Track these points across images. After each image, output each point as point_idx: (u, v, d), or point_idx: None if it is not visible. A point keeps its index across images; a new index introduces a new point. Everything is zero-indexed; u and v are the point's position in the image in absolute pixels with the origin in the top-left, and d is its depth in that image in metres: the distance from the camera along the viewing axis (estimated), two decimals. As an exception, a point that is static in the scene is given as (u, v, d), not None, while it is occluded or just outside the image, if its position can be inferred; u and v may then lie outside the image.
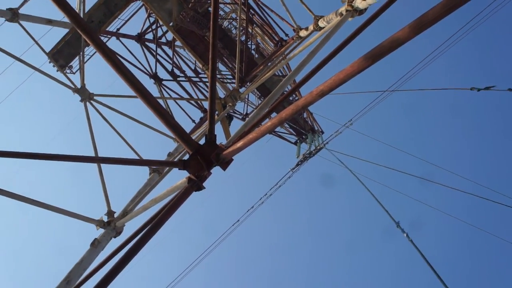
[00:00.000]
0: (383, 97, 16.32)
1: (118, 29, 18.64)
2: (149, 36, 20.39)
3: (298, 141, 24.36)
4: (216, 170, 4.83)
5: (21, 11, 13.49)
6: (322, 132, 24.74)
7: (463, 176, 13.16)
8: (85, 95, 14.21)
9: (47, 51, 15.76)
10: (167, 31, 20.70)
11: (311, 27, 13.82)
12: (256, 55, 24.13)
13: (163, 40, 21.41)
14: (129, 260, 4.09)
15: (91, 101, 14.26)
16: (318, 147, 21.97)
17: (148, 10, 18.77)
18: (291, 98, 20.72)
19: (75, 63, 16.76)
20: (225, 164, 4.60)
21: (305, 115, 24.22)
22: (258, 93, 23.63)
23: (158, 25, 20.00)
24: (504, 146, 49.06)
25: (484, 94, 9.45)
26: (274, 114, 18.08)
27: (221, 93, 17.95)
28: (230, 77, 23.58)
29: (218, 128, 15.16)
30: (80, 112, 14.10)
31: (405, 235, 9.95)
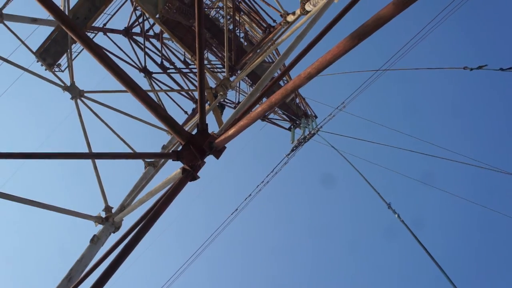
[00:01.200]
0: (375, 78, 16.30)
1: (104, 24, 18.51)
2: (137, 29, 20.27)
3: (292, 126, 24.38)
4: (211, 161, 4.84)
5: (5, 11, 13.38)
6: (316, 117, 24.75)
7: (459, 153, 13.16)
8: (76, 93, 14.13)
9: (34, 50, 15.65)
10: (154, 24, 20.58)
11: (298, 12, 13.81)
12: (245, 43, 24.05)
13: (151, 33, 21.27)
14: (127, 254, 4.10)
15: (82, 98, 14.20)
16: (312, 132, 21.98)
17: (134, 4, 18.64)
18: (281, 84, 20.69)
19: (63, 61, 16.67)
20: (217, 152, 4.61)
21: (297, 100, 24.23)
22: (249, 81, 23.59)
23: (145, 18, 19.88)
24: (497, 124, 49.10)
25: (476, 73, 9.47)
26: (265, 100, 18.06)
27: (212, 83, 17.90)
28: (220, 66, 23.50)
29: (212, 119, 15.15)
30: (72, 110, 14.04)
31: (396, 216, 9.80)
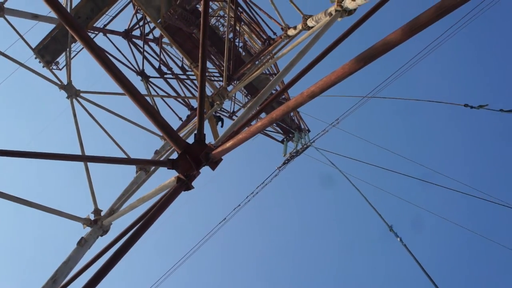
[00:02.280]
0: (369, 98, 16.40)
1: (105, 25, 18.49)
2: (136, 32, 20.27)
3: (285, 139, 24.41)
4: (203, 169, 4.82)
5: (6, 5, 13.33)
6: (309, 131, 24.83)
7: (453, 177, 13.23)
8: (72, 92, 14.06)
9: (33, 47, 15.58)
10: (154, 28, 20.61)
11: (299, 26, 13.82)
12: (243, 53, 24.12)
13: (150, 36, 21.29)
14: (119, 259, 4.06)
15: (78, 98, 14.13)
16: (305, 146, 22.03)
17: (136, 7, 18.65)
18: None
19: (61, 59, 16.61)
20: (214, 163, 4.59)
21: (291, 113, 24.26)
22: (245, 91, 23.62)
23: (146, 21, 19.88)
24: (495, 152, 49.49)
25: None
26: (263, 114, 18.10)
27: (208, 91, 17.92)
28: (217, 74, 23.53)
29: (206, 127, 15.10)
30: (66, 109, 13.97)
31: (398, 239, 9.56)
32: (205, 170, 4.85)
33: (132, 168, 13.46)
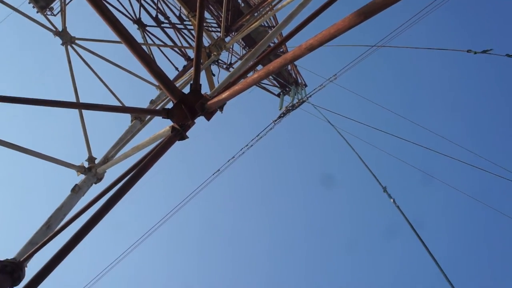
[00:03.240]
0: (370, 53, 16.20)
1: (101, -29, 18.05)
2: (133, -21, 19.82)
3: (281, 93, 24.30)
4: (198, 120, 4.81)
5: None
6: (306, 85, 24.69)
7: (459, 144, 12.91)
8: (67, 39, 13.85)
9: (27, -9, 15.25)
10: (151, -25, 20.15)
11: (300, -23, 13.54)
12: (242, 4, 23.69)
13: (148, -16, 20.83)
14: (112, 207, 4.12)
15: (73, 45, 13.94)
16: (301, 100, 21.97)
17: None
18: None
19: (56, 4, 16.26)
20: (209, 114, 4.58)
21: (289, 67, 24.06)
22: (242, 42, 23.33)
23: (143, -32, 19.42)
24: (500, 113, 48.37)
25: (480, 57, 9.24)
26: (259, 66, 17.94)
27: (205, 41, 17.66)
28: (215, 25, 23.17)
29: (202, 78, 14.93)
30: (61, 56, 13.78)
31: (391, 200, 9.43)
32: (202, 121, 4.84)
33: (127, 117, 13.41)
